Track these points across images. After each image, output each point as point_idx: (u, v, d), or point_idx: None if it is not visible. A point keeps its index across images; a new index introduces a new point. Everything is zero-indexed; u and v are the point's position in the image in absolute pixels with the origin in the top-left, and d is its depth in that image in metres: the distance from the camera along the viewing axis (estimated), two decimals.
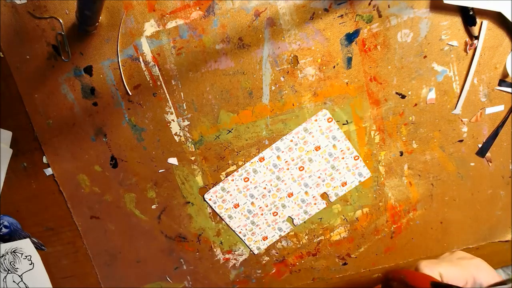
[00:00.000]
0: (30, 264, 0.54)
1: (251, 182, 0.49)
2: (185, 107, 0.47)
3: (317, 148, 0.48)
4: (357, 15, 0.43)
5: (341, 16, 0.43)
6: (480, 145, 0.48)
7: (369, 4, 0.42)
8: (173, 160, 0.49)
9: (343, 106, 0.46)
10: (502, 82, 0.45)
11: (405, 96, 0.46)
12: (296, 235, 0.52)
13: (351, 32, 0.43)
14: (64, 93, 0.46)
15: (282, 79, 0.45)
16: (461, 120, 0.47)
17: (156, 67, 0.45)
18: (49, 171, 0.50)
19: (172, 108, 0.47)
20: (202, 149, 0.48)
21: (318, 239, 0.53)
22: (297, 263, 0.54)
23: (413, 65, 0.44)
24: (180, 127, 0.47)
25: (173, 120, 0.47)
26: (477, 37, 0.43)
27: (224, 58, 0.45)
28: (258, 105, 0.46)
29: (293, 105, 0.46)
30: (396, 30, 0.43)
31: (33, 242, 0.53)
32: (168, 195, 0.51)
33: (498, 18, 0.42)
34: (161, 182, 0.50)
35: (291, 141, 0.48)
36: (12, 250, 0.54)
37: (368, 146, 0.48)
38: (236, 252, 0.53)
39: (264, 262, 0.54)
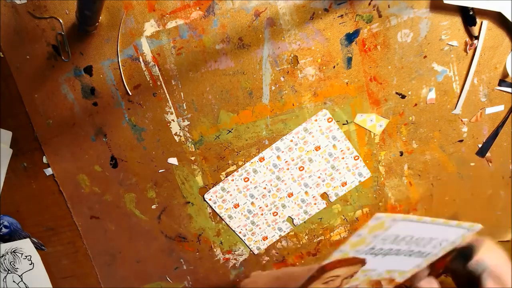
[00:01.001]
0: (30, 264, 0.54)
1: (251, 182, 0.49)
2: (185, 107, 0.47)
3: (317, 148, 0.48)
4: (357, 15, 0.43)
5: (341, 16, 0.43)
6: (480, 145, 0.48)
7: (369, 4, 0.42)
8: (173, 160, 0.49)
9: (343, 106, 0.46)
10: (502, 82, 0.45)
11: (405, 96, 0.46)
12: (296, 235, 0.52)
13: (351, 32, 0.43)
14: (64, 93, 0.46)
15: (282, 79, 0.45)
16: (461, 120, 0.47)
17: (156, 67, 0.45)
18: (49, 171, 0.50)
19: (172, 108, 0.47)
20: (202, 149, 0.48)
21: (318, 239, 0.53)
22: (297, 263, 0.54)
23: (413, 65, 0.44)
24: (180, 127, 0.47)
25: (173, 120, 0.47)
26: (477, 37, 0.43)
27: (224, 58, 0.45)
28: (258, 105, 0.46)
29: (293, 105, 0.46)
30: (396, 30, 0.43)
31: (33, 242, 0.53)
32: (168, 195, 0.51)
33: (498, 18, 0.42)
34: (161, 182, 0.50)
35: (291, 141, 0.48)
36: (12, 250, 0.54)
37: (368, 146, 0.48)
38: (236, 252, 0.53)
39: (264, 262, 0.54)
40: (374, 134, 0.47)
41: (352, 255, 0.30)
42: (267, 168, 0.49)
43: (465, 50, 0.44)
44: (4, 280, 0.55)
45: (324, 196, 0.50)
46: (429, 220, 0.31)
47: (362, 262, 0.31)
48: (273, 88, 0.46)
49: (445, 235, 0.32)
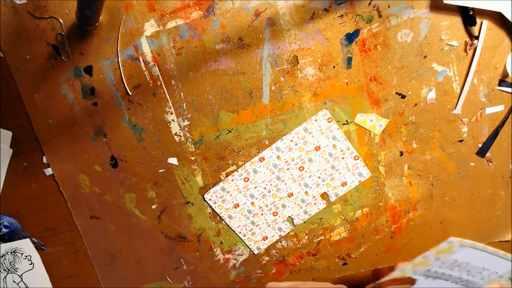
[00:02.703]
0: (30, 264, 0.54)
1: (251, 182, 0.49)
2: (185, 107, 0.47)
3: (317, 148, 0.48)
4: (357, 15, 0.43)
5: (341, 16, 0.43)
6: (480, 145, 0.48)
7: (369, 4, 0.42)
8: (173, 160, 0.49)
9: (343, 106, 0.46)
10: (502, 82, 0.45)
11: (405, 96, 0.46)
12: (296, 235, 0.52)
13: (351, 32, 0.43)
14: (64, 93, 0.46)
15: (282, 79, 0.45)
16: (461, 120, 0.47)
17: (156, 67, 0.45)
18: (49, 171, 0.50)
19: (172, 108, 0.47)
20: (202, 149, 0.48)
21: (318, 239, 0.53)
22: (297, 263, 0.54)
23: (413, 65, 0.44)
24: (180, 127, 0.47)
25: (173, 120, 0.47)
26: (477, 37, 0.43)
27: (224, 58, 0.45)
28: (258, 105, 0.46)
29: (293, 105, 0.46)
30: (396, 30, 0.43)
31: (33, 242, 0.53)
32: (168, 195, 0.51)
33: (498, 18, 0.42)
34: (161, 182, 0.50)
35: (291, 141, 0.48)
36: (12, 250, 0.54)
37: (368, 146, 0.48)
38: (236, 252, 0.53)
39: (264, 262, 0.54)
40: (374, 134, 0.47)
41: (410, 275, 0.30)
42: (267, 168, 0.49)
43: (465, 50, 0.44)
44: (4, 280, 0.55)
45: (324, 196, 0.50)
46: (491, 250, 0.31)
47: (412, 282, 0.30)
48: (273, 88, 0.46)
49: (496, 268, 0.32)
